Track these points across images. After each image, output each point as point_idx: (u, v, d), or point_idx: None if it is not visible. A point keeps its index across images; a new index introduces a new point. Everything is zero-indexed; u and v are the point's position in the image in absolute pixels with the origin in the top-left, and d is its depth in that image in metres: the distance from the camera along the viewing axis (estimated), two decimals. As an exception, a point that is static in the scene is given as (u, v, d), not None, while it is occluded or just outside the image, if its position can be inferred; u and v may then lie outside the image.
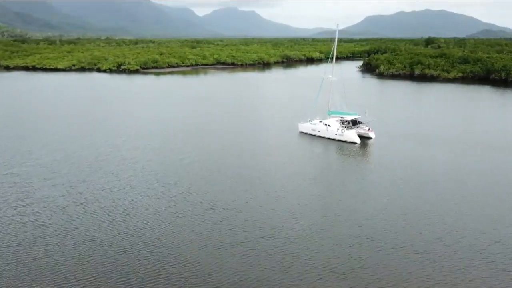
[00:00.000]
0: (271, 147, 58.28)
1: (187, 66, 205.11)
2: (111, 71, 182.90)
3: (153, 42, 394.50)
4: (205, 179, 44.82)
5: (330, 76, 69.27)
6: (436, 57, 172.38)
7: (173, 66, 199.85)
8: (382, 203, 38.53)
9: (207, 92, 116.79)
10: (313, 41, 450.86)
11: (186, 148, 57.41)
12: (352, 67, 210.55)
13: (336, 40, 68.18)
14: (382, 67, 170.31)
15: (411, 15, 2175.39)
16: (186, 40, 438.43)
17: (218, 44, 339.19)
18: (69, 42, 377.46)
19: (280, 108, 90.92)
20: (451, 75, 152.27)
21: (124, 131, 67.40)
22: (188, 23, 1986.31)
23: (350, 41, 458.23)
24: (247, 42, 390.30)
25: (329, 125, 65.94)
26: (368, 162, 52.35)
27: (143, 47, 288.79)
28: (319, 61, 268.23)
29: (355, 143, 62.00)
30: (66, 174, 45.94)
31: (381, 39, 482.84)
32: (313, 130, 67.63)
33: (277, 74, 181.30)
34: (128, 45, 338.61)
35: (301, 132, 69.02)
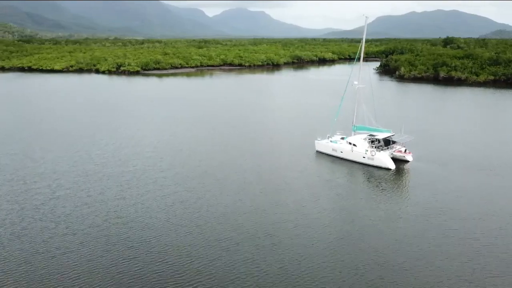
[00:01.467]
0: (280, 176, 45.06)
1: (192, 67, 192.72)
2: (110, 72, 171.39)
3: (160, 42, 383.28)
4: (190, 235, 31.80)
5: (356, 82, 55.87)
6: (462, 58, 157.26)
7: (176, 67, 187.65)
8: (431, 266, 25.24)
9: (209, 98, 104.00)
10: (324, 41, 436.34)
11: (175, 177, 44.51)
12: (368, 69, 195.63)
13: (364, 38, 54.73)
14: (402, 69, 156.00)
15: (422, 15, 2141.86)
16: (193, 40, 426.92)
17: (226, 44, 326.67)
18: (74, 42, 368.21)
19: (292, 120, 77.69)
20: (481, 78, 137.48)
21: (104, 150, 54.78)
22: (197, 23, 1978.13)
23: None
24: (256, 42, 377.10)
25: (354, 145, 52.58)
26: (408, 198, 38.87)
27: (148, 47, 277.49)
28: (332, 62, 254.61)
29: (388, 169, 48.61)
30: (4, 221, 33.30)
31: (395, 39, 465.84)
32: (334, 150, 54.32)
33: (287, 77, 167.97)
34: (134, 45, 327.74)
35: (318, 152, 55.82)
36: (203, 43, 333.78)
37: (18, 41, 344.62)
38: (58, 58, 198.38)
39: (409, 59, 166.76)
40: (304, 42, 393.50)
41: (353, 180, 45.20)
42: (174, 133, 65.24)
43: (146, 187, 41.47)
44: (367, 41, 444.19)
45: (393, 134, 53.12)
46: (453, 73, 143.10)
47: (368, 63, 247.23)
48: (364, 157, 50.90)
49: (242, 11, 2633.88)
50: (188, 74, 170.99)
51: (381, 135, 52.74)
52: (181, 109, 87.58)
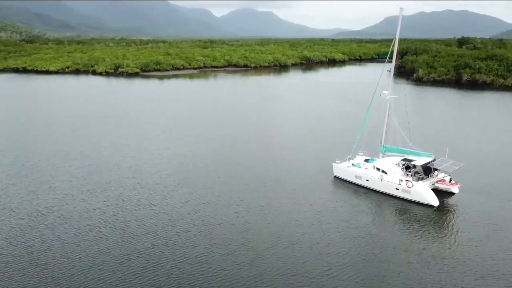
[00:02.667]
0: (292, 221, 34.18)
1: (194, 68, 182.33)
2: (107, 74, 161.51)
3: (165, 42, 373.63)
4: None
5: (386, 91, 44.88)
6: (485, 59, 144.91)
7: (178, 69, 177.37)
8: None
9: (210, 104, 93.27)
10: (333, 42, 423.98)
11: (154, 220, 33.89)
12: (380, 70, 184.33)
13: (397, 34, 43.80)
14: (420, 71, 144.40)
15: (431, 15, 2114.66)
16: (199, 40, 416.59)
17: (232, 45, 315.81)
18: (78, 42, 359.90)
19: (303, 134, 66.69)
20: (509, 81, 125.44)
21: (72, 174, 44.31)
22: (205, 24, 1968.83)
23: (372, 41, 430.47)
24: (263, 42, 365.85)
25: (384, 171, 41.60)
26: (474, 264, 27.84)
27: (152, 47, 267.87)
28: (342, 63, 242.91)
29: (431, 206, 37.58)
30: None
31: (405, 39, 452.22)
32: (357, 177, 43.35)
33: (295, 79, 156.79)
34: (138, 45, 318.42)
35: (337, 178, 44.97)
36: (208, 43, 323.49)
37: (21, 41, 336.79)
38: (55, 58, 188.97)
39: (427, 60, 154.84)
40: (313, 42, 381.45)
41: (388, 226, 33.99)
42: (164, 150, 54.61)
43: (112, 238, 30.78)
44: (375, 41, 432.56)
45: (434, 159, 41.91)
46: (477, 76, 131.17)
47: (379, 64, 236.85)
48: (397, 189, 39.89)
49: (250, 12, 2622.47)
50: (190, 76, 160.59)
51: (419, 160, 41.55)
52: (176, 116, 76.93)
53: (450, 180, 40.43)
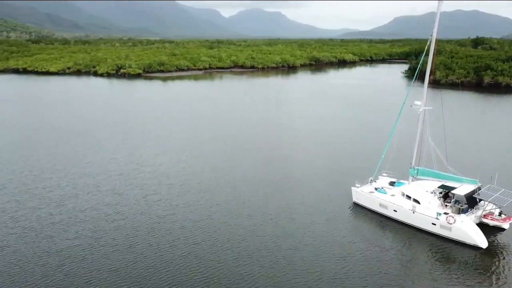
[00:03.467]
0: (300, 260, 26.81)
1: (199, 69, 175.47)
2: (108, 75, 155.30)
3: (171, 42, 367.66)
4: None
5: (418, 102, 37.36)
6: (507, 60, 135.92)
7: (182, 70, 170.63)
8: None
9: (212, 108, 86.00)
10: (342, 42, 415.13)
11: (129, 271, 26.78)
12: (394, 72, 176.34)
13: (434, 31, 36.37)
14: (438, 73, 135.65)
15: (441, 15, 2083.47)
16: (206, 40, 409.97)
17: (240, 45, 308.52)
18: (84, 42, 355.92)
19: (315, 148, 59.09)
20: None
21: (46, 198, 37.35)
22: (213, 24, 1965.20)
23: (382, 41, 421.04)
24: (271, 42, 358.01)
25: (416, 200, 34.06)
26: None
27: (158, 48, 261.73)
28: (352, 64, 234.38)
29: (478, 247, 29.98)
30: None
31: (415, 39, 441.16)
32: (382, 206, 35.82)
33: (305, 81, 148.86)
34: (144, 45, 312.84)
35: (356, 205, 37.53)
36: (215, 44, 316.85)
37: (27, 41, 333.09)
38: (56, 59, 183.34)
39: (444, 62, 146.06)
40: (321, 42, 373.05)
41: (429, 281, 26.41)
42: (156, 167, 47.47)
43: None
44: (385, 42, 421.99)
45: (479, 186, 34.17)
46: (500, 79, 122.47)
47: (392, 65, 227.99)
48: (434, 224, 32.29)
49: (258, 12, 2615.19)
50: (194, 77, 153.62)
51: (461, 188, 33.89)
52: (175, 123, 69.76)
53: (500, 214, 32.81)
